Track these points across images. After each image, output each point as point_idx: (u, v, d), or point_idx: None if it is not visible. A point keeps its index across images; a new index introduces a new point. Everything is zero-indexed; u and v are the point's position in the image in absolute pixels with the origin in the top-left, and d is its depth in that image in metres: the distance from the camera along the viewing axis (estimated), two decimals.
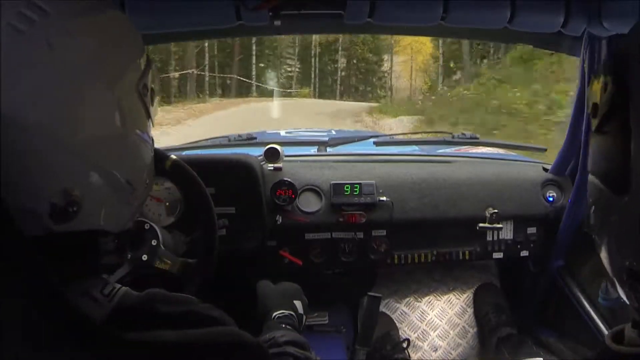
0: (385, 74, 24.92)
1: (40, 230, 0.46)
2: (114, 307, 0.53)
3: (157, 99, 0.61)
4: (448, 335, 1.79)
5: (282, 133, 2.20)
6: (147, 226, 1.06)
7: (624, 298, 0.49)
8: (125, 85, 0.53)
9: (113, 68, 0.52)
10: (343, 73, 25.01)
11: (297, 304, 1.02)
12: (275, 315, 0.96)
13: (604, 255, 0.50)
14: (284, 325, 0.93)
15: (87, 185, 0.49)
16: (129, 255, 1.03)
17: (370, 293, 1.28)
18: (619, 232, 0.46)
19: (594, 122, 0.49)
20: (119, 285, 0.57)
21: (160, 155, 1.10)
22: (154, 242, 1.05)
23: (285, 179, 1.50)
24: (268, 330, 0.90)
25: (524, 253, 1.64)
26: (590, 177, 0.51)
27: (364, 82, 25.32)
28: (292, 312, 0.98)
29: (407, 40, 21.43)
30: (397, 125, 11.34)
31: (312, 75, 24.08)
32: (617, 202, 0.45)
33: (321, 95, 23.09)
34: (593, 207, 0.51)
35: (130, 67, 0.55)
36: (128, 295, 0.56)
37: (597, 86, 0.48)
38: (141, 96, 0.56)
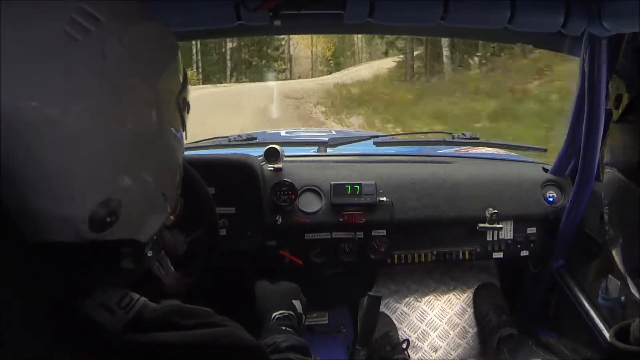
0: (283, 42, 21.44)
1: (73, 237, 0.46)
2: (131, 320, 0.53)
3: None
4: (448, 336, 1.79)
5: (282, 133, 2.19)
6: None
7: (636, 294, 0.48)
8: (168, 97, 0.54)
9: (159, 80, 0.52)
10: (232, 44, 20.09)
11: (296, 303, 1.01)
12: (274, 316, 0.95)
13: (617, 250, 0.50)
14: (284, 328, 0.92)
15: (126, 196, 0.49)
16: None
17: (370, 293, 1.28)
18: (634, 222, 0.45)
19: (616, 114, 0.48)
20: (138, 297, 0.57)
21: None
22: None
23: (286, 179, 1.50)
24: (268, 333, 0.90)
25: (524, 253, 1.64)
26: (609, 171, 0.50)
27: (257, 55, 21.71)
28: (291, 312, 0.97)
29: None
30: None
31: (193, 51, 18.02)
32: (634, 192, 0.45)
33: (207, 80, 18.49)
34: (609, 203, 0.51)
35: (173, 79, 0.55)
36: (146, 308, 0.56)
37: (619, 81, 0.48)
38: (180, 110, 0.57)
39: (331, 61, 23.47)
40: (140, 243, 0.55)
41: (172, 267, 1.07)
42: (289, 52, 21.84)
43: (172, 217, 1.25)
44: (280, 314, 0.96)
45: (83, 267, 0.50)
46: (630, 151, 0.47)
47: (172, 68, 0.56)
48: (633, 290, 0.49)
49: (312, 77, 20.32)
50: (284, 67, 21.78)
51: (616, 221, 0.50)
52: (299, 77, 20.23)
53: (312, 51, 21.36)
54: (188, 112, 0.60)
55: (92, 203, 0.46)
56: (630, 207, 0.46)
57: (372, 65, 18.85)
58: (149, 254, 1.05)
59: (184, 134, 0.60)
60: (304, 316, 1.02)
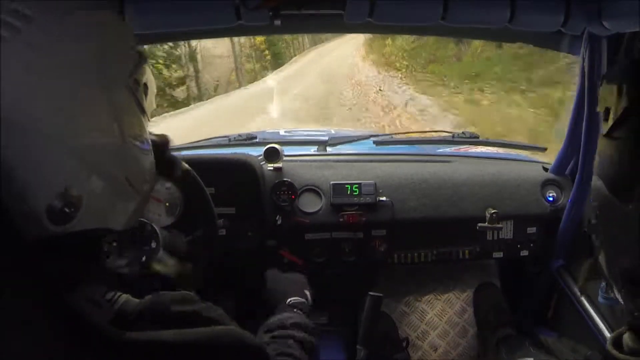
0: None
1: (40, 232, 0.46)
2: (117, 312, 0.54)
3: (151, 93, 0.61)
4: (448, 335, 1.79)
5: (282, 132, 2.19)
6: (148, 227, 1.06)
7: (619, 298, 0.49)
8: (114, 81, 0.53)
9: (101, 66, 0.52)
10: None
11: (307, 293, 1.05)
12: (290, 301, 0.98)
13: (602, 258, 0.51)
14: (295, 310, 0.95)
15: (84, 185, 0.49)
16: (127, 255, 1.03)
17: (371, 293, 1.28)
18: (620, 237, 0.46)
19: (605, 126, 0.49)
20: (120, 293, 0.57)
21: (173, 163, 1.09)
22: (153, 244, 1.05)
23: (285, 179, 1.50)
24: (279, 312, 0.92)
25: (524, 253, 1.64)
26: (595, 180, 0.51)
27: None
28: (304, 300, 1.00)
29: None
30: None
31: None
32: (620, 209, 0.45)
33: None
34: (596, 209, 0.51)
35: (118, 63, 0.55)
36: (129, 302, 0.56)
37: (610, 89, 0.48)
38: (132, 91, 0.56)
39: (266, 53, 19.01)
40: (112, 231, 0.55)
41: (173, 260, 1.07)
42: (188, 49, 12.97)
43: (172, 218, 1.25)
44: (295, 300, 0.98)
45: (67, 261, 0.50)
46: (616, 167, 0.47)
47: (122, 54, 0.56)
48: (617, 296, 0.50)
49: (238, 85, 14.18)
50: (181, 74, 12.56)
51: (602, 232, 0.51)
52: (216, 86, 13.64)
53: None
54: (146, 94, 0.59)
55: (48, 195, 0.46)
56: (614, 223, 0.47)
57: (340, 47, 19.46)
58: (143, 259, 1.06)
59: (144, 117, 0.59)
60: (311, 306, 1.05)
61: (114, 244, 1.01)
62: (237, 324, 0.61)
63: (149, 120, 0.61)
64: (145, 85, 0.59)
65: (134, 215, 0.59)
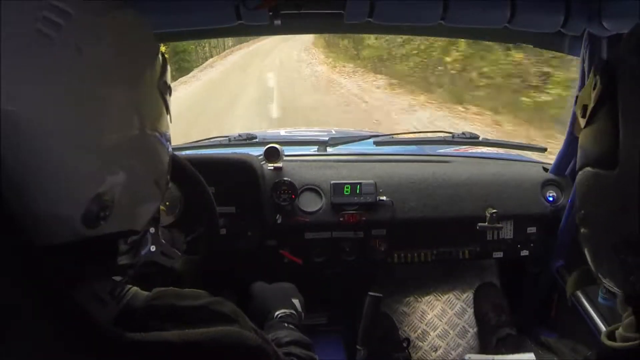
0: None
1: (71, 236, 0.46)
2: (122, 309, 0.54)
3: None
4: (448, 335, 1.79)
5: (282, 132, 2.19)
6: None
7: (612, 286, 0.51)
8: (147, 84, 0.53)
9: (135, 68, 0.52)
10: None
11: (296, 302, 1.02)
12: (277, 315, 0.96)
13: (591, 244, 0.53)
14: (286, 325, 0.93)
15: (117, 188, 0.49)
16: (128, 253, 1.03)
17: (371, 292, 1.28)
18: (613, 207, 0.48)
19: (583, 122, 0.53)
20: (129, 286, 0.57)
21: (173, 161, 1.09)
22: (152, 248, 1.05)
23: (286, 178, 1.50)
24: (271, 330, 0.90)
25: (524, 253, 1.64)
26: (580, 174, 0.54)
27: None
28: (293, 311, 0.98)
29: None
30: None
31: None
32: (608, 177, 0.48)
33: None
34: (582, 201, 0.54)
35: (150, 65, 0.55)
36: (137, 296, 0.56)
37: (587, 89, 0.52)
38: (162, 94, 0.56)
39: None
40: (136, 232, 0.55)
41: (178, 253, 1.07)
42: None
43: (164, 211, 1.25)
44: (283, 312, 0.96)
45: (83, 262, 0.50)
46: (599, 144, 0.51)
47: (151, 55, 0.56)
48: (609, 285, 0.52)
49: None
50: None
51: (589, 215, 0.53)
52: None
53: None
54: (170, 94, 0.60)
55: (84, 200, 0.46)
56: (603, 194, 0.50)
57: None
58: (152, 249, 1.06)
59: (168, 117, 0.59)
60: (302, 314, 1.03)
61: (126, 248, 1.01)
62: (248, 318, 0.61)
63: (171, 120, 0.61)
64: (170, 86, 0.60)
65: (153, 216, 0.59)
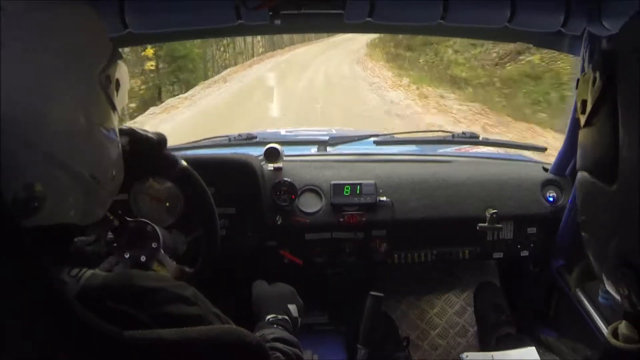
0: None
1: (9, 224, 0.46)
2: (83, 286, 0.54)
3: (123, 89, 0.61)
4: (448, 335, 1.79)
5: (282, 132, 2.19)
6: (149, 228, 1.05)
7: (613, 292, 0.50)
8: (85, 77, 0.53)
9: (72, 62, 0.51)
10: None
11: (292, 307, 1.01)
12: (268, 319, 0.96)
13: (592, 249, 0.52)
14: (275, 326, 0.93)
15: (49, 180, 0.49)
16: (127, 255, 1.03)
17: (372, 292, 1.28)
18: (611, 222, 0.47)
19: (583, 119, 0.51)
20: (86, 269, 0.57)
21: (171, 161, 1.09)
22: (154, 245, 1.05)
23: (286, 179, 1.50)
24: (259, 330, 0.90)
25: (524, 253, 1.64)
26: (580, 175, 0.53)
27: None
28: (285, 317, 0.97)
29: None
30: None
31: None
32: (606, 191, 0.47)
33: None
34: (581, 206, 0.53)
35: (90, 59, 0.54)
36: (95, 276, 0.56)
37: (585, 83, 0.51)
38: (103, 88, 0.56)
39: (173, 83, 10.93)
40: (80, 227, 0.55)
41: (174, 263, 1.07)
42: None
43: (172, 218, 1.25)
44: (274, 317, 0.96)
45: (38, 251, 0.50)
46: (597, 152, 0.49)
47: (92, 50, 0.55)
48: (610, 290, 0.51)
49: None
50: None
51: (589, 223, 0.52)
52: None
53: None
54: (118, 89, 0.59)
55: (14, 187, 0.46)
56: (602, 207, 0.48)
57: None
58: (142, 259, 1.05)
59: (115, 113, 0.59)
60: (299, 319, 1.02)
61: (114, 244, 1.01)
62: (234, 320, 0.61)
63: (119, 116, 0.61)
64: (118, 81, 0.59)
65: (99, 213, 0.59)
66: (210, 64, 13.58)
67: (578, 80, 0.56)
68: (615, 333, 0.53)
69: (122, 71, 0.61)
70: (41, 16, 0.49)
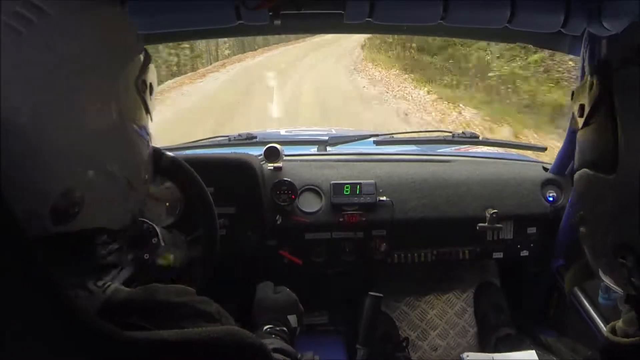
0: None
1: (39, 232, 0.46)
2: (107, 299, 0.53)
3: (154, 93, 0.61)
4: (448, 335, 1.79)
5: (282, 132, 2.19)
6: (145, 226, 1.06)
7: (610, 284, 0.53)
8: (123, 82, 0.53)
9: (111, 66, 0.51)
10: None
11: (291, 318, 1.00)
12: (266, 329, 0.95)
13: (591, 242, 0.54)
14: (273, 336, 0.92)
15: (87, 184, 0.48)
16: (131, 256, 1.04)
17: (371, 292, 1.28)
18: (611, 210, 0.49)
19: (580, 121, 0.53)
20: (110, 282, 0.57)
21: (155, 153, 1.09)
22: (154, 240, 1.05)
23: (285, 178, 1.50)
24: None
25: (524, 253, 1.64)
26: (578, 173, 0.55)
27: None
28: (284, 328, 0.96)
29: None
30: None
31: None
32: (606, 181, 0.49)
33: None
34: (582, 202, 0.55)
35: (128, 64, 0.54)
36: (119, 291, 0.56)
37: (582, 88, 0.53)
38: (140, 92, 0.56)
39: None
40: (111, 231, 0.55)
41: (175, 253, 1.07)
42: None
43: (172, 218, 1.26)
44: (271, 328, 0.95)
45: (59, 261, 0.50)
46: (597, 147, 0.51)
47: (129, 54, 0.56)
48: (607, 281, 0.53)
49: None
50: None
51: (588, 216, 0.54)
52: None
53: None
54: (152, 93, 0.59)
55: (53, 195, 0.46)
56: (603, 197, 0.50)
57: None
58: (146, 257, 1.05)
59: (148, 116, 0.59)
60: (298, 329, 1.01)
61: (115, 246, 1.01)
62: (234, 321, 0.61)
63: (151, 120, 0.61)
64: (151, 85, 0.59)
65: (130, 217, 0.59)
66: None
67: (573, 92, 0.57)
68: (613, 330, 0.54)
69: (154, 75, 0.60)
70: (81, 19, 0.49)
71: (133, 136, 0.55)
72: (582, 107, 0.53)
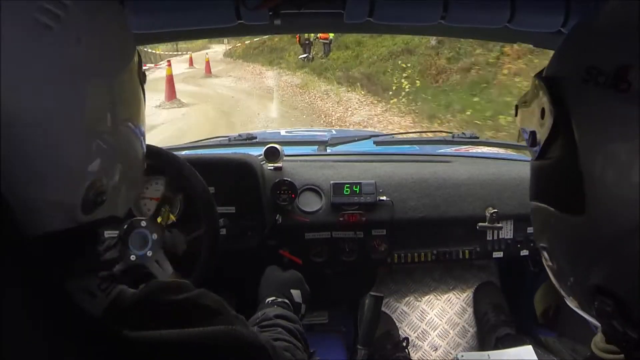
0: None
1: (68, 223, 0.47)
2: (112, 301, 0.54)
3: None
4: (448, 335, 1.79)
5: (282, 132, 2.20)
6: (143, 223, 1.08)
7: (590, 319, 0.47)
8: (130, 74, 0.55)
9: (124, 59, 0.54)
10: None
11: (295, 292, 1.01)
12: (268, 301, 0.97)
13: (561, 278, 0.48)
14: (276, 306, 0.94)
15: (111, 174, 0.50)
16: (133, 257, 1.05)
17: (372, 292, 1.28)
18: (586, 254, 0.43)
19: (533, 154, 0.48)
20: (115, 284, 0.57)
21: (156, 150, 1.11)
22: (154, 237, 1.08)
23: (286, 178, 1.50)
24: (260, 310, 0.92)
25: (524, 252, 1.64)
26: (536, 206, 0.49)
27: None
28: (286, 300, 0.98)
29: None
30: None
31: None
32: (572, 223, 0.43)
33: None
34: (542, 234, 0.50)
35: (132, 57, 0.56)
36: (124, 292, 0.56)
37: (530, 112, 0.47)
38: (141, 83, 0.59)
39: None
40: (118, 218, 0.56)
41: (171, 268, 1.08)
42: None
43: (173, 217, 1.26)
44: (274, 299, 0.97)
45: (63, 255, 0.50)
46: (555, 185, 0.46)
47: (133, 47, 0.58)
48: (585, 315, 0.47)
49: None
50: None
51: (553, 252, 0.49)
52: None
53: None
54: (144, 82, 0.62)
55: (83, 187, 0.47)
56: (570, 239, 0.45)
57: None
58: (149, 253, 1.07)
59: (143, 98, 0.62)
60: (303, 306, 1.01)
61: (113, 242, 1.02)
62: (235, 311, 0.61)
63: (144, 103, 0.63)
64: (145, 74, 0.62)
65: (129, 204, 0.61)
66: None
67: (517, 106, 0.50)
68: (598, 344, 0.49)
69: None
70: (100, 13, 0.50)
71: (139, 124, 0.58)
72: (533, 134, 0.46)
